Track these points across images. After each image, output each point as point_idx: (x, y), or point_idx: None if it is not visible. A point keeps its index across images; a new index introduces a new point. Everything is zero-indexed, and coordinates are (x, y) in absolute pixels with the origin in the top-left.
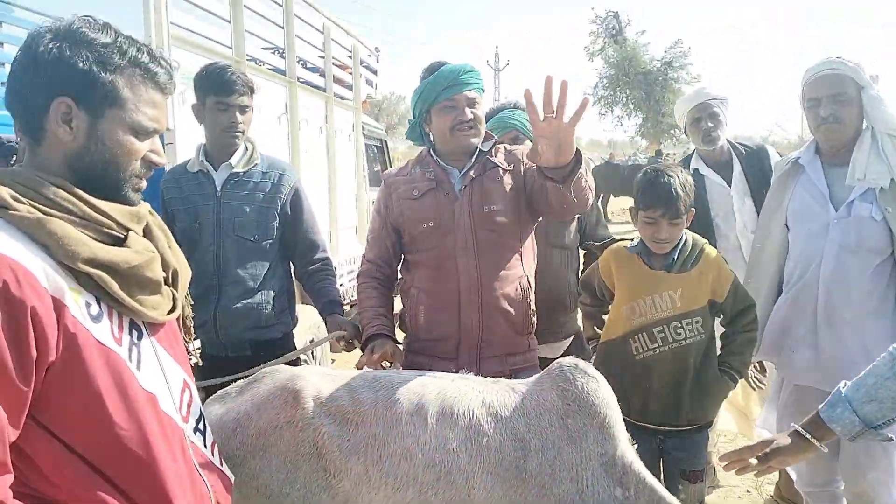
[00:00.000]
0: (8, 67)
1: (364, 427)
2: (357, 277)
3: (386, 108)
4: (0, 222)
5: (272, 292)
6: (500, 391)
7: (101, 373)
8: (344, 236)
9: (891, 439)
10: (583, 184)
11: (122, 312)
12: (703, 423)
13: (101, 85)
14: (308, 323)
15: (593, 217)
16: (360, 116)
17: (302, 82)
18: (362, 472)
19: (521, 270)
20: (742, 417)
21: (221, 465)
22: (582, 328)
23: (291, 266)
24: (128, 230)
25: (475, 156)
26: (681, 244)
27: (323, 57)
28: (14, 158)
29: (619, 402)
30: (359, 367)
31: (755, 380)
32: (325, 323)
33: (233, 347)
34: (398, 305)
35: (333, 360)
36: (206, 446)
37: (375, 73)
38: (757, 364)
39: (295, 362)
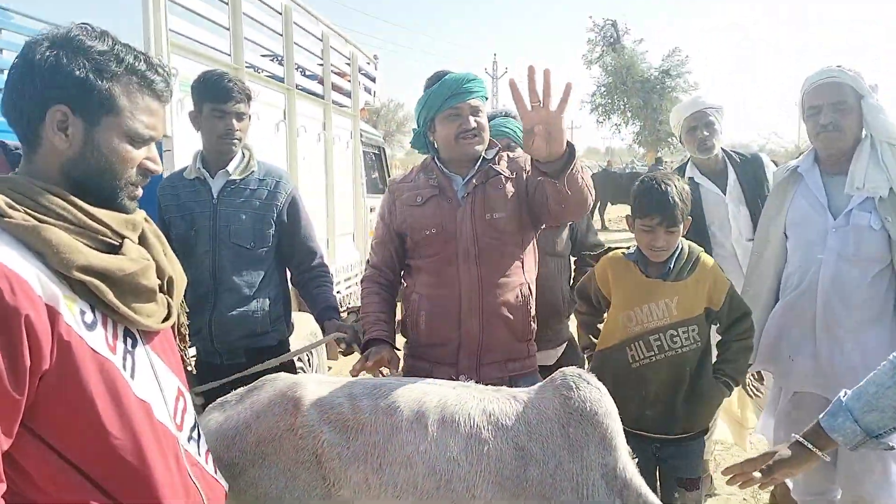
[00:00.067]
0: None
1: (364, 435)
2: (361, 282)
3: (384, 115)
4: None
5: (268, 300)
6: (501, 399)
7: (94, 381)
8: (341, 243)
9: (892, 448)
10: (578, 181)
11: (116, 320)
12: (698, 431)
13: (98, 93)
14: (304, 330)
15: (584, 224)
16: (359, 124)
17: (300, 90)
18: (362, 481)
19: (522, 277)
20: (737, 427)
21: (216, 473)
22: (576, 336)
23: (287, 273)
24: (123, 237)
25: (478, 164)
26: (677, 252)
27: (321, 64)
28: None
29: None
30: (353, 374)
31: (753, 388)
32: (323, 329)
33: (228, 355)
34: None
35: (330, 368)
36: (200, 454)
37: (374, 80)
38: (755, 373)
39: (292, 370)
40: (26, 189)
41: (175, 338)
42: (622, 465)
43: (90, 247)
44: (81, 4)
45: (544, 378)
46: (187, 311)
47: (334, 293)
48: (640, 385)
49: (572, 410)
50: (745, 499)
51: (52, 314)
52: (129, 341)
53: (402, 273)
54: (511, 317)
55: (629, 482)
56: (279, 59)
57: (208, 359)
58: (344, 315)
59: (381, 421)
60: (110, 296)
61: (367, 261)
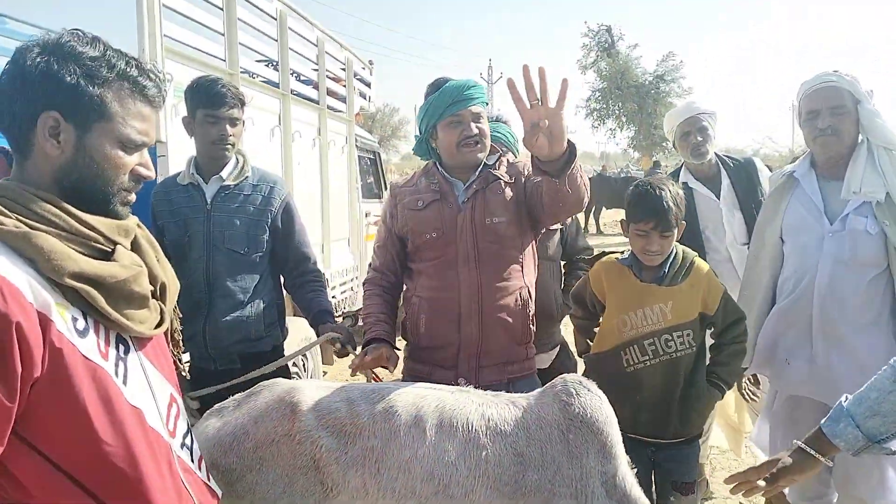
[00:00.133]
0: None
1: (362, 439)
2: (363, 284)
3: (379, 120)
4: None
5: (262, 305)
6: (500, 405)
7: (86, 388)
8: (337, 248)
9: (894, 453)
10: (578, 179)
11: (108, 327)
12: (692, 436)
13: (89, 99)
14: (298, 335)
15: (573, 228)
16: (354, 129)
17: (295, 95)
18: (360, 486)
19: (522, 281)
20: (732, 433)
21: (208, 479)
22: (574, 341)
23: (281, 279)
24: (115, 244)
25: (480, 169)
26: (671, 257)
27: (317, 69)
28: None
29: None
30: (352, 369)
31: (749, 392)
32: (317, 332)
33: (222, 360)
34: (401, 313)
35: (325, 373)
36: (192, 461)
37: (369, 85)
38: (751, 377)
39: (287, 376)
40: (18, 195)
41: (168, 344)
42: (621, 475)
43: (82, 253)
44: (76, 9)
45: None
46: (180, 316)
47: (328, 297)
48: (634, 389)
49: (572, 417)
50: (740, 502)
51: (44, 321)
52: (122, 348)
53: (404, 276)
54: (510, 320)
55: (628, 493)
56: (274, 64)
57: (202, 364)
58: (339, 320)
59: (378, 425)
60: (102, 302)
61: (370, 264)
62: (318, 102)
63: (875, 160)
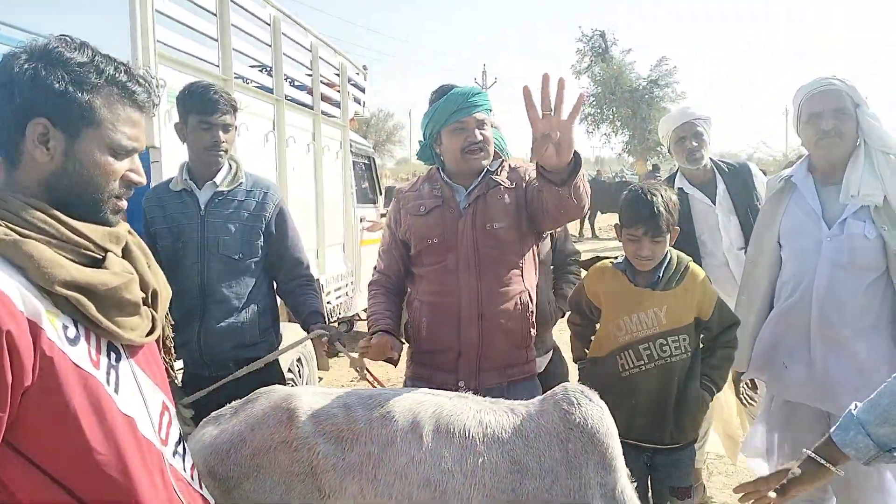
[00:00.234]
0: None
1: (359, 445)
2: (368, 286)
3: (374, 125)
4: None
5: (256, 311)
6: (498, 411)
7: (78, 397)
8: (331, 253)
9: None
10: (581, 188)
11: (99, 335)
12: (686, 441)
13: (78, 105)
14: (293, 341)
15: (562, 232)
16: (348, 134)
17: (289, 100)
18: (357, 492)
19: (522, 285)
20: (729, 441)
21: (201, 488)
22: (570, 347)
23: (274, 284)
24: (106, 251)
25: (482, 175)
26: (666, 262)
27: (311, 75)
28: None
29: None
30: (359, 350)
31: (746, 397)
32: (307, 333)
33: (216, 367)
34: (404, 317)
35: (321, 378)
36: (185, 469)
37: (363, 90)
38: (748, 381)
39: (282, 382)
40: (7, 203)
41: (160, 351)
42: (621, 488)
43: (73, 261)
44: (69, 14)
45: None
46: (172, 323)
47: (320, 301)
48: (629, 394)
49: (573, 426)
50: None
51: (35, 329)
52: (113, 356)
53: (407, 280)
54: (510, 325)
55: None
56: (268, 69)
57: (197, 371)
58: (335, 325)
59: (375, 431)
60: (93, 310)
61: (374, 266)
62: (312, 108)
63: (873, 164)
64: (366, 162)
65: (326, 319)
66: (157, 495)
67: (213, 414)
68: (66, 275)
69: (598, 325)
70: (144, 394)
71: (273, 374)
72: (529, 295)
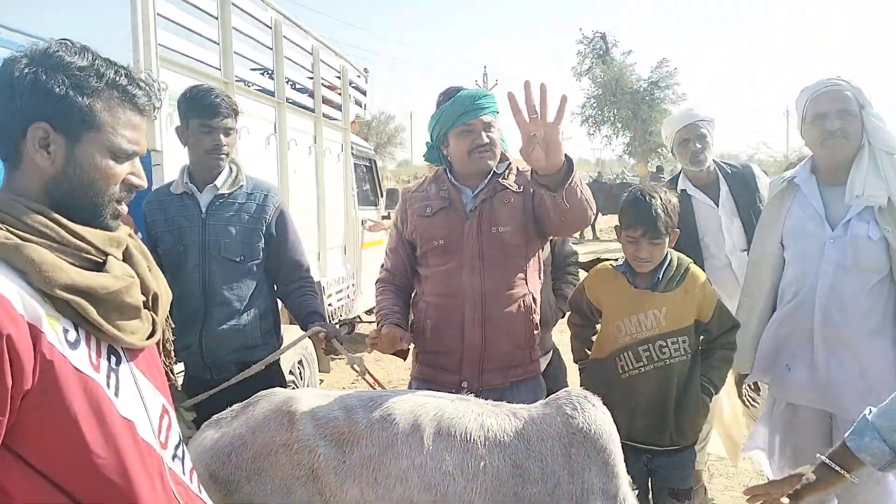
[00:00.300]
0: None
1: (360, 448)
2: (375, 284)
3: (375, 127)
4: None
5: (258, 313)
6: (499, 415)
7: (78, 400)
8: (333, 256)
9: None
10: (577, 193)
11: (100, 338)
12: (686, 444)
13: (78, 109)
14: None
15: None
16: (349, 136)
17: (291, 103)
18: (357, 495)
19: (526, 288)
20: (730, 442)
21: (200, 492)
22: (571, 348)
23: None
24: (107, 254)
25: (489, 178)
26: (666, 264)
27: (312, 78)
28: None
29: None
30: (368, 341)
31: (749, 398)
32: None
33: (218, 370)
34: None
35: (322, 381)
36: (184, 473)
37: (364, 93)
38: (751, 383)
39: (283, 385)
40: (8, 207)
41: (160, 354)
42: (623, 496)
43: (73, 264)
44: (69, 17)
45: None
46: (172, 326)
47: (319, 302)
48: (629, 396)
49: (575, 431)
50: None
51: (35, 333)
52: (113, 359)
53: (413, 280)
54: (513, 328)
55: None
56: (269, 72)
57: (198, 374)
58: (336, 327)
59: (376, 434)
60: (94, 314)
61: (382, 265)
62: (313, 110)
63: (878, 165)
64: (367, 164)
65: (327, 320)
66: (156, 499)
67: (213, 417)
68: (66, 278)
69: (598, 327)
70: (144, 397)
71: (274, 377)
72: (533, 297)
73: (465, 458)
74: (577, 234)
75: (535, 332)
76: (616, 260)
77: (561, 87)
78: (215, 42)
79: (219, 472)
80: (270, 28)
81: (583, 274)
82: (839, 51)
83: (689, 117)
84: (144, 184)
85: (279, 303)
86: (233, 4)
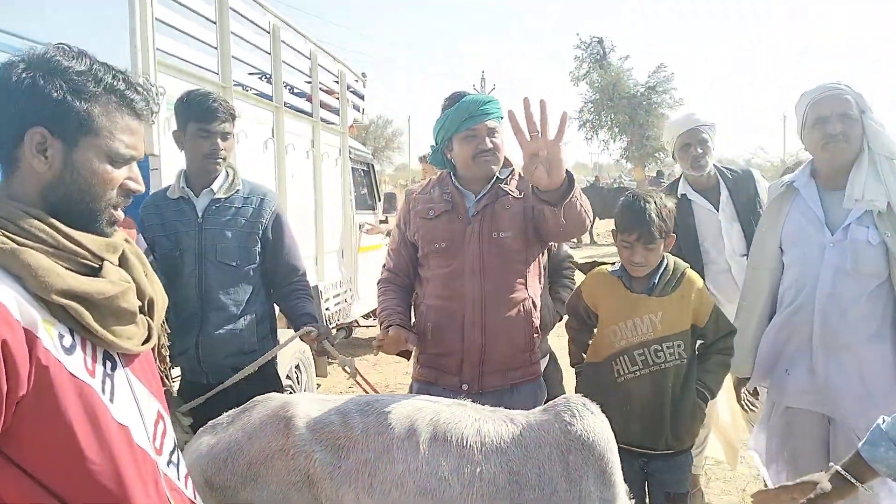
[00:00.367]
0: None
1: (355, 453)
2: (378, 284)
3: (373, 131)
4: None
5: (255, 318)
6: (496, 421)
7: (73, 406)
8: (330, 260)
9: None
10: (577, 207)
11: (95, 343)
12: (682, 448)
13: (76, 114)
14: (291, 349)
15: None
16: (347, 140)
17: (289, 107)
18: (353, 501)
19: (526, 293)
20: (728, 446)
21: (195, 497)
22: (568, 352)
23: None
24: (103, 260)
25: (491, 183)
26: (661, 268)
27: (310, 82)
28: None
29: None
30: (376, 344)
31: (748, 403)
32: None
33: (215, 375)
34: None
35: (319, 385)
36: (179, 479)
37: (362, 97)
38: (749, 388)
39: (280, 389)
40: (4, 211)
41: (155, 359)
42: None
43: (70, 269)
44: (68, 22)
45: None
46: (168, 331)
47: (313, 305)
48: (624, 400)
49: (573, 438)
50: None
51: (31, 338)
52: (109, 364)
53: (415, 281)
54: (512, 331)
55: None
56: (267, 77)
57: (195, 378)
58: (333, 331)
59: (372, 439)
60: (89, 319)
61: (384, 265)
62: (311, 115)
63: (878, 169)
64: (365, 168)
65: (322, 323)
66: None
67: (209, 423)
68: (62, 283)
69: (595, 331)
70: (140, 403)
71: (271, 381)
72: (533, 302)
73: (461, 464)
74: (573, 239)
75: (536, 335)
76: (613, 264)
77: (560, 89)
78: (213, 46)
79: (215, 478)
80: (269, 32)
81: (579, 276)
82: (841, 49)
83: (690, 122)
84: (142, 189)
85: (276, 308)
86: (231, 9)
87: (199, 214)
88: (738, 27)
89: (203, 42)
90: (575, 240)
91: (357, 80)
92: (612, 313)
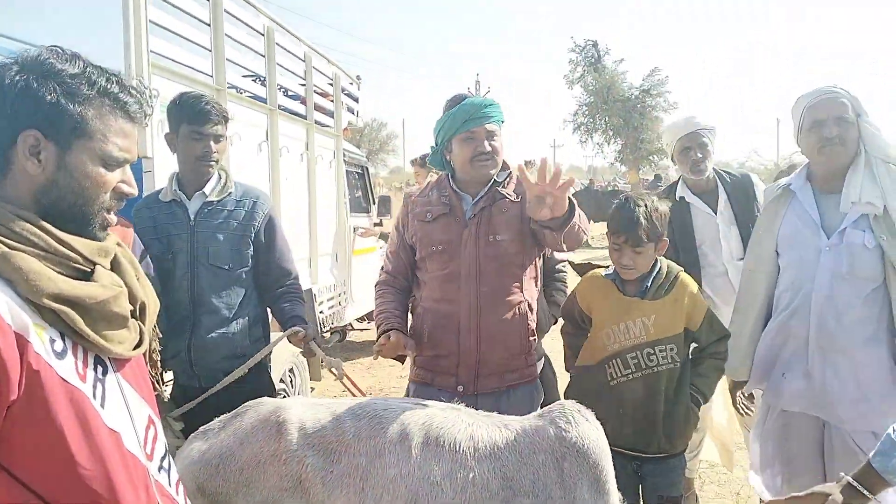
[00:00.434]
0: None
1: (347, 457)
2: (375, 286)
3: (367, 134)
4: None
5: (247, 321)
6: (490, 426)
7: (64, 411)
8: (324, 263)
9: None
10: (575, 230)
11: (87, 348)
12: (674, 452)
13: (70, 117)
14: (283, 352)
15: None
16: (342, 143)
17: (283, 110)
18: None
19: (522, 296)
20: (724, 449)
21: (186, 503)
22: (563, 356)
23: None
24: (94, 264)
25: (489, 186)
26: (654, 271)
27: (304, 85)
28: None
29: None
30: (376, 350)
31: (743, 406)
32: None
33: (206, 378)
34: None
35: (313, 389)
36: (170, 484)
37: (357, 100)
38: (746, 392)
39: (273, 393)
40: None
41: (146, 364)
42: None
43: (61, 273)
44: (62, 24)
45: None
46: (160, 336)
47: (303, 308)
48: (617, 402)
49: (568, 445)
50: None
51: (22, 343)
52: (100, 369)
53: (413, 284)
54: (507, 335)
55: None
56: (261, 79)
57: (187, 382)
58: (327, 335)
59: (364, 443)
60: (81, 323)
61: (381, 267)
62: (305, 117)
63: (874, 173)
64: (359, 171)
65: (314, 326)
66: None
67: (201, 428)
68: (54, 287)
69: (589, 334)
70: (131, 408)
71: (264, 385)
72: (529, 305)
73: (454, 469)
74: None
75: (532, 338)
76: (607, 268)
77: (556, 91)
78: (207, 49)
79: (207, 484)
80: (263, 35)
81: (572, 280)
82: (839, 51)
83: (691, 125)
84: (135, 192)
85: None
86: (225, 11)
87: (192, 217)
88: (736, 29)
89: (197, 44)
90: None
91: (351, 83)
92: (605, 316)
